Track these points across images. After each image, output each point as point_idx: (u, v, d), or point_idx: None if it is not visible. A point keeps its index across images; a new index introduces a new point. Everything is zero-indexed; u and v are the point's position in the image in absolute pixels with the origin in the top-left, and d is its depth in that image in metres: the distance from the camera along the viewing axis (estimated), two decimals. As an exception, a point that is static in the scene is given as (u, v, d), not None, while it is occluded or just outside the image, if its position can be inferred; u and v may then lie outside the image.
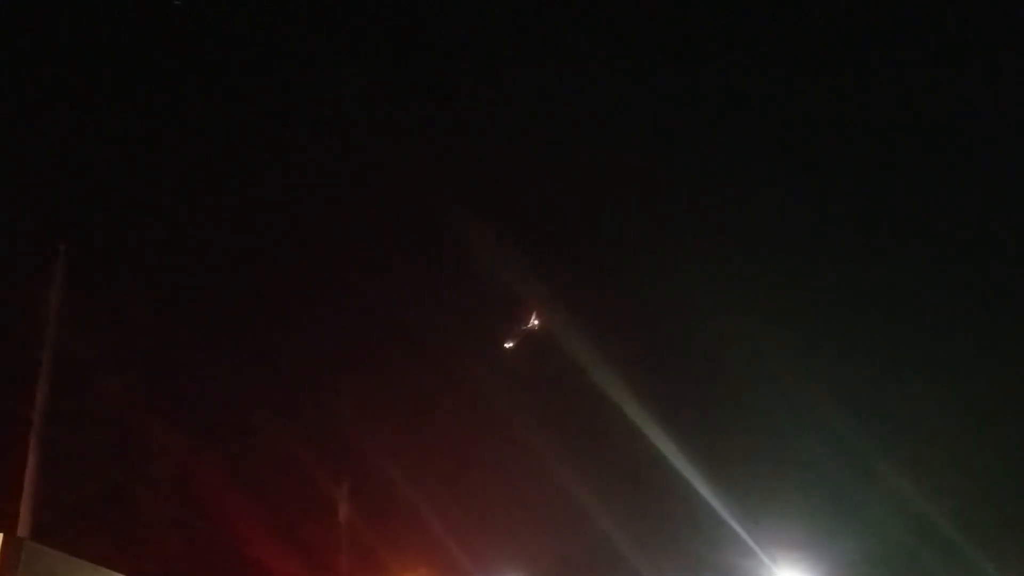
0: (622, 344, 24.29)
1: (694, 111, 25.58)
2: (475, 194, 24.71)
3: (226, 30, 23.71)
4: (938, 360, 24.31)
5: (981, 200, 23.82)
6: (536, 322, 25.20)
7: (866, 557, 22.09)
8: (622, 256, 26.36)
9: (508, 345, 25.74)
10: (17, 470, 15.73)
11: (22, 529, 14.98)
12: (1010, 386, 22.93)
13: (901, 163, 24.72)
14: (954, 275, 24.32)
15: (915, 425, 23.39)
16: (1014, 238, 23.64)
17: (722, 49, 25.19)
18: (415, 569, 23.50)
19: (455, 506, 23.45)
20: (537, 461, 23.78)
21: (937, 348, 24.45)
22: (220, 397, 22.34)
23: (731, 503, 22.34)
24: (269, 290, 24.34)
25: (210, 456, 20.71)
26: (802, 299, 25.23)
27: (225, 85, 25.63)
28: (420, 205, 23.47)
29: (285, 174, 25.73)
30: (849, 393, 23.29)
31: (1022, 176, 23.73)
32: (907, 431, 23.37)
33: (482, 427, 25.21)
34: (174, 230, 23.22)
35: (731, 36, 24.86)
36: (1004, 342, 23.57)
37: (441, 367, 25.17)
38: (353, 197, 25.81)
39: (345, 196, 25.85)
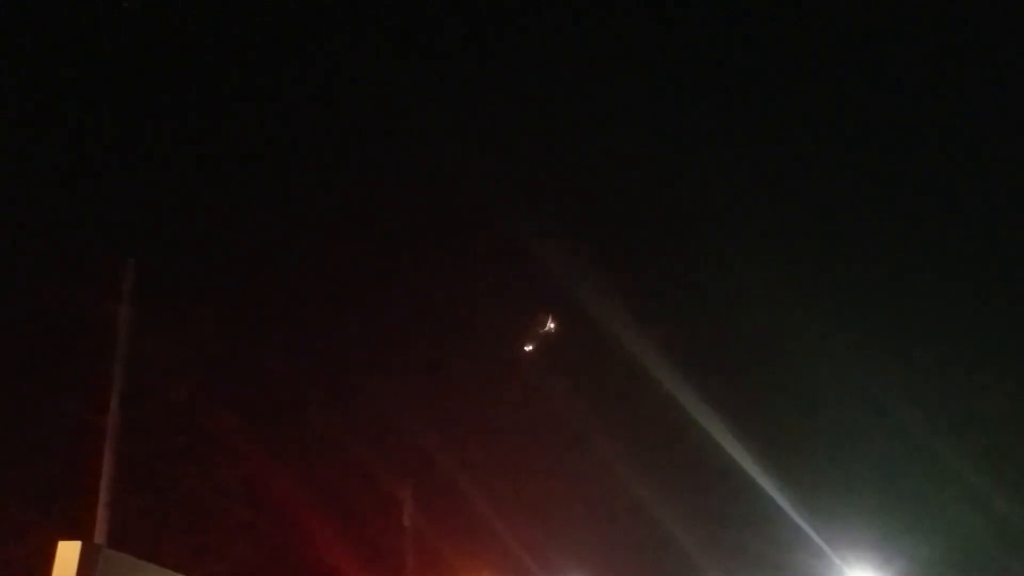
0: (688, 345, 24.06)
1: (753, 110, 25.22)
2: (540, 195, 24.77)
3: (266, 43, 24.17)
4: (1015, 352, 23.56)
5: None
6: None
7: (940, 557, 21.46)
8: (689, 255, 26.10)
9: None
10: (93, 479, 16.25)
11: (98, 536, 15.47)
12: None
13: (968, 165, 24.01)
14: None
15: (991, 420, 22.67)
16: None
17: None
18: (479, 571, 23.59)
19: (519, 507, 23.51)
20: (601, 462, 23.71)
21: (1013, 340, 23.71)
22: (286, 403, 22.78)
23: (800, 503, 21.97)
24: (335, 298, 24.74)
25: (278, 461, 21.12)
26: (872, 295, 24.71)
27: (276, 102, 26.11)
28: (481, 205, 23.58)
29: (349, 181, 26.08)
30: (923, 388, 22.71)
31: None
32: (983, 426, 22.66)
33: (547, 428, 25.21)
34: (237, 240, 23.71)
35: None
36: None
37: (504, 369, 25.28)
38: (419, 200, 26.03)
39: (410, 200, 26.08)
